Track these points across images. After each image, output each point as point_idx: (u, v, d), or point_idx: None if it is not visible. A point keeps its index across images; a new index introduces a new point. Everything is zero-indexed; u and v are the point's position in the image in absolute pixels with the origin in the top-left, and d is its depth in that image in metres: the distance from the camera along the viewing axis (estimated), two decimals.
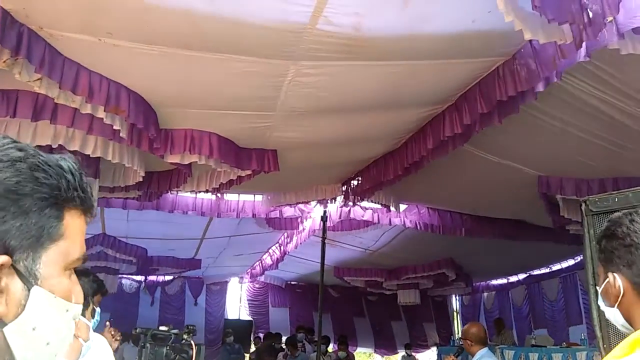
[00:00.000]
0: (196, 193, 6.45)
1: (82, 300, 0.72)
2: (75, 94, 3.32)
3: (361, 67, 3.49)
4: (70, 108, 3.55)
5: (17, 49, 2.83)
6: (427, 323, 14.25)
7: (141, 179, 4.85)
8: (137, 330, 3.44)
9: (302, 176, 6.14)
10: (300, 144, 4.96)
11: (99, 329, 2.61)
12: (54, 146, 3.83)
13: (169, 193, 6.31)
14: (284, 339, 10.62)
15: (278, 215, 7.89)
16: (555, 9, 2.56)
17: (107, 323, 3.38)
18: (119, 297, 10.90)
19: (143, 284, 11.96)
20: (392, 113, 4.44)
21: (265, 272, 11.74)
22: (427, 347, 14.11)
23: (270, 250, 10.47)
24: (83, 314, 2.11)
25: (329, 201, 6.90)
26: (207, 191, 5.76)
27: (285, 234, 9.22)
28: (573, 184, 5.50)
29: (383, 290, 12.03)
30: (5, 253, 0.61)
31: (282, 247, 9.77)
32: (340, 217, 7.74)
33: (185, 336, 3.41)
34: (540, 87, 3.53)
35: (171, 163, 4.65)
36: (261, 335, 11.57)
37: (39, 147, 3.63)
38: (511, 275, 12.62)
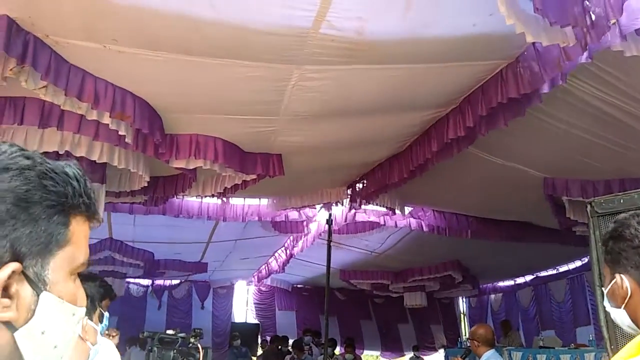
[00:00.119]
0: (202, 197, 6.47)
1: (85, 303, 0.74)
2: (81, 101, 3.35)
3: (364, 71, 3.50)
4: (76, 114, 3.57)
5: (23, 57, 2.87)
6: (434, 325, 14.21)
7: (146, 184, 4.87)
8: (144, 334, 3.45)
9: (307, 180, 6.15)
10: (304, 148, 4.97)
11: None
12: (60, 152, 3.85)
13: (175, 197, 6.33)
14: (290, 342, 10.62)
15: (284, 219, 7.91)
16: (557, 11, 2.55)
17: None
18: (127, 301, 10.95)
19: (150, 288, 12.01)
20: (395, 116, 4.45)
21: (272, 276, 11.75)
22: (434, 349, 14.06)
23: (276, 254, 10.48)
24: (90, 318, 2.13)
25: (334, 204, 6.90)
26: (212, 196, 5.78)
27: (291, 238, 9.23)
28: (579, 185, 5.47)
29: (389, 293, 12.00)
30: (16, 260, 0.63)
31: (288, 251, 9.77)
32: (345, 220, 7.75)
33: (192, 340, 3.42)
34: (545, 89, 3.52)
35: (176, 168, 4.68)
36: (268, 338, 11.57)
37: (46, 153, 3.66)
38: (518, 276, 12.57)
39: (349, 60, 3.29)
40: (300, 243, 8.99)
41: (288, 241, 9.54)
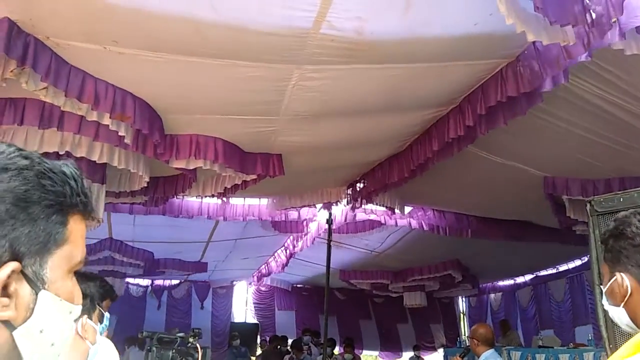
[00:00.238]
0: (202, 197, 6.47)
1: (81, 301, 0.74)
2: (81, 102, 3.35)
3: (364, 71, 3.50)
4: (76, 115, 3.57)
5: (24, 58, 2.87)
6: (434, 324, 14.22)
7: (146, 184, 4.87)
8: (144, 334, 3.46)
9: (307, 179, 6.15)
10: (304, 148, 4.97)
11: None
12: (60, 153, 3.85)
13: (175, 198, 6.33)
14: (289, 341, 10.62)
15: (284, 218, 7.91)
16: (558, 10, 2.55)
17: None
18: (126, 300, 10.95)
19: (150, 288, 12.02)
20: (396, 116, 4.45)
21: (271, 275, 11.75)
22: (434, 348, 14.06)
23: (276, 254, 10.49)
24: (90, 318, 2.13)
25: (334, 204, 6.90)
26: (212, 196, 5.78)
27: (291, 237, 9.24)
28: (579, 184, 5.48)
29: (389, 293, 12.01)
30: (15, 259, 0.63)
31: (287, 250, 9.78)
32: (345, 220, 7.75)
33: (191, 339, 3.43)
34: (546, 87, 3.51)
35: (176, 168, 4.68)
36: (267, 338, 11.57)
37: (46, 154, 3.67)
38: (518, 276, 12.57)
39: (349, 60, 3.29)
40: (300, 243, 8.99)
41: (288, 241, 9.54)
